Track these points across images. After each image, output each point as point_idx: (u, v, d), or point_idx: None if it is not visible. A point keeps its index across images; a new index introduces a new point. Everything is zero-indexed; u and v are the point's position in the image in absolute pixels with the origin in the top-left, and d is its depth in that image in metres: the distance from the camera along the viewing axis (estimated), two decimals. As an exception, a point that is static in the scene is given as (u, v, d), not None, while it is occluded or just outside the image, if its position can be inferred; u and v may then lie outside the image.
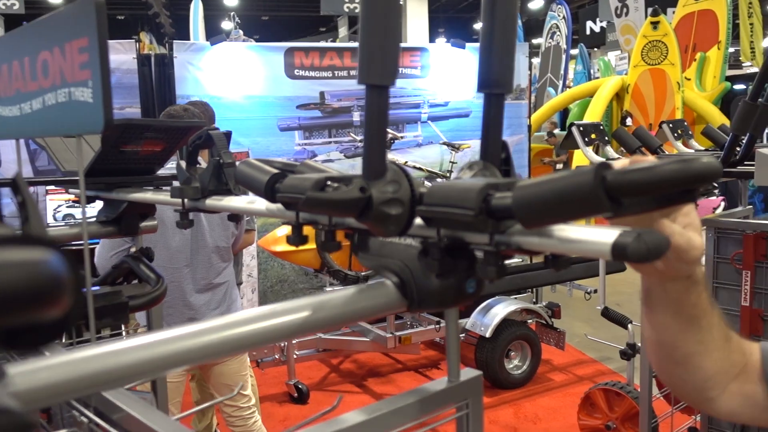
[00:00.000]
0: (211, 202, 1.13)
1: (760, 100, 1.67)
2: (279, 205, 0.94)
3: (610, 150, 2.07)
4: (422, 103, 5.94)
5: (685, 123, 2.32)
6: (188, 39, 7.23)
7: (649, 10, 10.23)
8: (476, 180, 0.68)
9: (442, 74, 5.92)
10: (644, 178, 0.54)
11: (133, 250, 2.69)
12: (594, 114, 9.54)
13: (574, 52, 14.59)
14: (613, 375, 4.59)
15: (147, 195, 1.31)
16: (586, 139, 1.99)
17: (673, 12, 11.18)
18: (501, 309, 4.30)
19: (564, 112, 12.22)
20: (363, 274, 4.68)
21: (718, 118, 9.79)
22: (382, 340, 4.24)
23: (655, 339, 0.88)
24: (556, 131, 11.72)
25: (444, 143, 5.25)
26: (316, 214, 0.79)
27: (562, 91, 12.63)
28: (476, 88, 0.81)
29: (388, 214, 0.70)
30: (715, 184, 2.17)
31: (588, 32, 19.11)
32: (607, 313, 2.48)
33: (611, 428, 2.17)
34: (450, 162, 5.00)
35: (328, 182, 0.82)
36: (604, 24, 17.20)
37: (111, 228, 1.42)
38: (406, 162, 5.00)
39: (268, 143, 5.66)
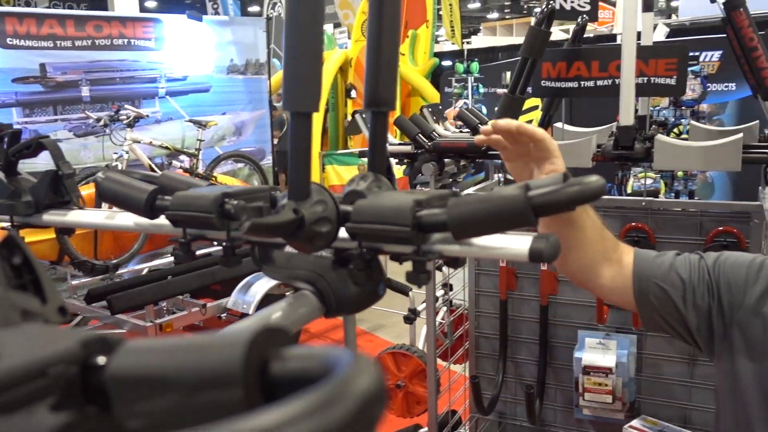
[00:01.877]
0: (51, 217, 1.03)
1: (516, 93, 1.98)
2: (155, 221, 0.93)
3: (389, 135, 2.26)
4: (159, 78, 5.67)
5: (440, 107, 2.59)
6: None
7: (366, -12, 10.85)
8: (399, 196, 0.75)
9: (178, 47, 5.69)
10: (560, 199, 0.68)
11: None
12: (323, 86, 9.90)
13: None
14: (366, 335, 4.96)
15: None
16: (370, 125, 2.14)
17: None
18: (262, 285, 4.36)
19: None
20: (113, 262, 4.40)
21: (429, 91, 10.83)
22: (140, 330, 4.05)
23: None
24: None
25: (190, 120, 5.09)
26: (252, 236, 0.80)
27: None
28: (363, 105, 0.88)
29: (318, 232, 0.75)
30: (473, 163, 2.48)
31: (304, 4, 19.60)
32: (389, 284, 2.71)
33: (401, 386, 2.41)
34: (197, 140, 4.87)
35: (226, 199, 0.84)
36: (319, -3, 17.77)
37: None
38: (151, 141, 4.75)
39: (-21, 122, 4.96)
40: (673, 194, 5.78)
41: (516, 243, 0.71)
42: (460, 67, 9.29)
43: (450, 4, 13.16)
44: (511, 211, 0.67)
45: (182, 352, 0.33)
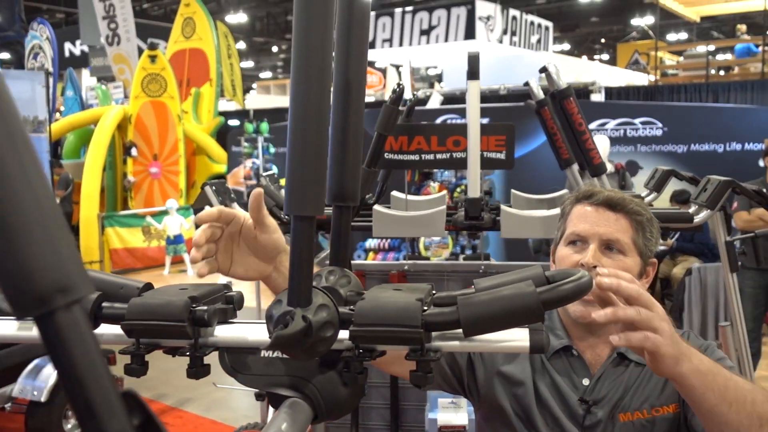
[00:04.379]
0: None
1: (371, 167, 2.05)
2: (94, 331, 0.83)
3: (236, 206, 2.19)
4: None
5: (226, 184, 2.29)
6: None
7: (147, 42, 10.49)
8: (399, 296, 0.75)
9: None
10: (563, 295, 0.72)
11: None
12: (99, 144, 9.28)
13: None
14: (173, 411, 4.64)
15: None
16: (220, 198, 2.07)
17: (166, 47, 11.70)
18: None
19: (57, 141, 11.49)
20: None
21: (216, 149, 10.64)
22: None
23: None
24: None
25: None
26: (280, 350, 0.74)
27: (52, 117, 11.85)
28: (326, 200, 0.87)
29: (323, 338, 0.72)
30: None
31: (68, 54, 18.36)
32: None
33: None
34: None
35: (193, 305, 0.80)
36: (85, 48, 16.76)
37: None
38: None
39: None
40: (459, 248, 6.35)
41: (516, 336, 0.75)
42: (250, 126, 9.28)
43: (231, 63, 13.16)
44: (525, 308, 0.71)
45: None
